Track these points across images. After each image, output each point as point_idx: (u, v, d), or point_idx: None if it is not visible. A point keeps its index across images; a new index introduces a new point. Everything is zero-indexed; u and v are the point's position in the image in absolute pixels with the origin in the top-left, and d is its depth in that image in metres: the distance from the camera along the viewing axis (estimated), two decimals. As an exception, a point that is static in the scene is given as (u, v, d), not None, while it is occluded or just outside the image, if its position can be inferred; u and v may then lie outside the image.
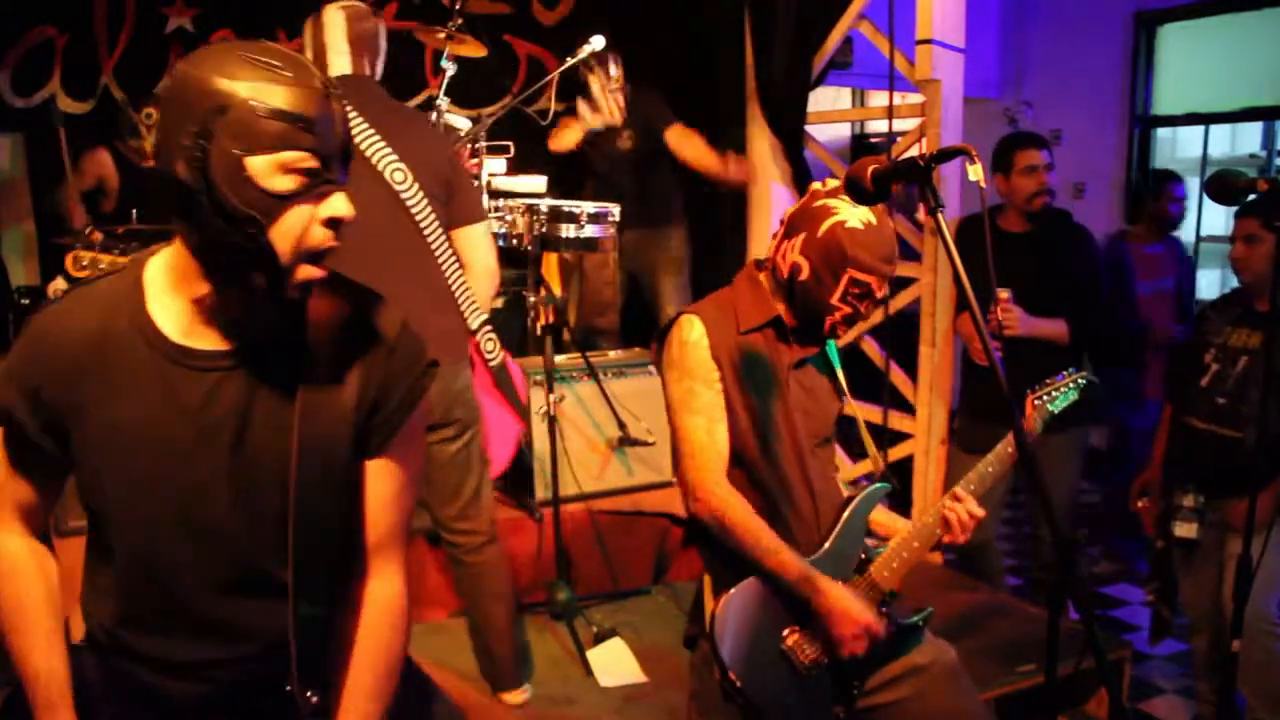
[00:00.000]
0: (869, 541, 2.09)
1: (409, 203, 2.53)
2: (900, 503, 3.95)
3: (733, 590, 1.93)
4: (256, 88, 1.18)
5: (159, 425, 1.28)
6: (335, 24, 2.64)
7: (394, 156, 2.52)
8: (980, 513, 2.04)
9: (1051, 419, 2.29)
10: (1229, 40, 5.52)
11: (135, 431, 1.28)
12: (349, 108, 2.49)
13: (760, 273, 2.11)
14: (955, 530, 2.02)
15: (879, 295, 1.99)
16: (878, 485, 2.12)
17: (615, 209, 3.76)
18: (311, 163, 1.21)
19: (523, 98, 3.79)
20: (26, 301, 4.08)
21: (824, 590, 1.90)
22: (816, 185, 2.04)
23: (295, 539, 1.28)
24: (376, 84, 2.70)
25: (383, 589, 1.39)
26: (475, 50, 3.85)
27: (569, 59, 3.73)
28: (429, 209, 2.56)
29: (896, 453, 4.01)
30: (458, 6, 3.77)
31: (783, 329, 2.05)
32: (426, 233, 2.56)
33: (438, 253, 2.58)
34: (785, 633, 1.95)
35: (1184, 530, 2.90)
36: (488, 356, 2.77)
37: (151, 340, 1.29)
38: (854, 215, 1.93)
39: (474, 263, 2.69)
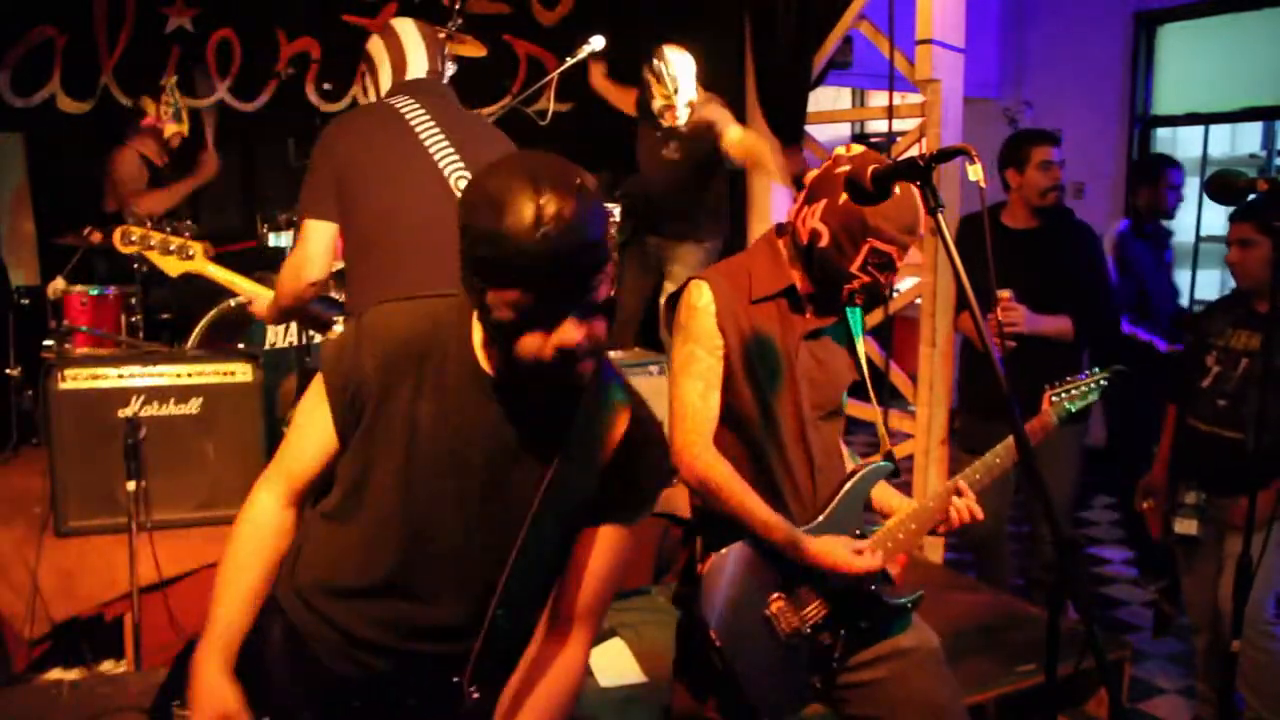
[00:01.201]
0: (866, 519, 2.08)
1: None
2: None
3: (722, 551, 1.93)
4: (494, 229, 1.26)
5: (442, 434, 1.43)
6: (407, 29, 2.67)
7: (460, 165, 2.51)
8: (980, 515, 2.04)
9: (1068, 416, 2.27)
10: (1229, 40, 5.52)
11: (422, 431, 1.43)
12: (423, 113, 2.51)
13: (780, 238, 2.06)
14: (952, 522, 2.03)
15: (900, 265, 1.96)
16: (880, 463, 2.10)
17: (615, 209, 3.76)
18: (529, 301, 1.28)
19: (523, 98, 3.80)
20: (26, 302, 4.08)
21: (808, 547, 1.91)
22: (840, 150, 2.00)
23: (510, 574, 1.42)
24: (450, 89, 2.71)
25: (570, 655, 1.48)
26: (475, 50, 3.85)
27: (569, 59, 3.73)
28: None
29: (896, 453, 4.00)
30: (458, 6, 3.77)
31: (796, 298, 2.01)
32: None
33: None
34: (770, 599, 1.95)
35: (1184, 527, 2.90)
36: None
37: (463, 360, 1.44)
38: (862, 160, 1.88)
39: None
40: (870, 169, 1.64)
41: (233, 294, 3.96)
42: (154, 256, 2.55)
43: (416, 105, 2.55)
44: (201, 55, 4.84)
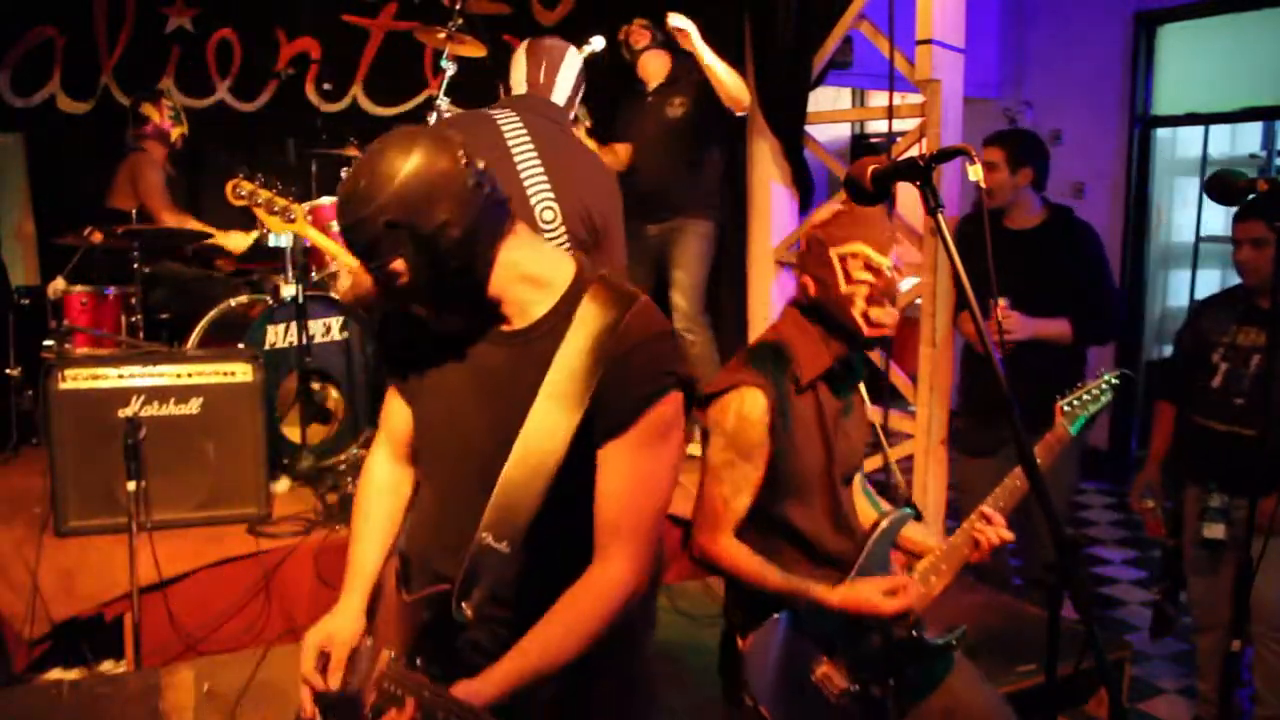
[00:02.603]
0: (895, 568, 2.08)
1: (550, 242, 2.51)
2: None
3: (761, 627, 1.94)
4: None
5: (451, 378, 1.58)
6: (519, 51, 2.74)
7: (549, 194, 2.48)
8: (1010, 536, 2.04)
9: (1089, 422, 2.25)
10: (1229, 40, 5.52)
11: (434, 382, 1.60)
12: (521, 129, 2.51)
13: (804, 317, 2.06)
14: (984, 550, 2.03)
15: (884, 263, 1.94)
16: (904, 512, 2.11)
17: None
18: None
19: (523, 98, 3.79)
20: (26, 302, 4.08)
21: (831, 597, 1.92)
22: (817, 215, 2.11)
23: (500, 486, 1.49)
24: (553, 106, 2.66)
25: (600, 569, 1.51)
26: (475, 50, 3.84)
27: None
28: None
29: (896, 453, 4.01)
30: (458, 6, 3.77)
31: (835, 376, 2.02)
32: None
33: None
34: (814, 665, 1.95)
35: (1212, 531, 2.88)
36: None
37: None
38: (825, 212, 2.00)
39: None
40: (870, 169, 1.64)
41: (233, 294, 4.00)
42: (260, 213, 2.73)
43: (516, 120, 2.53)
44: (202, 55, 4.85)
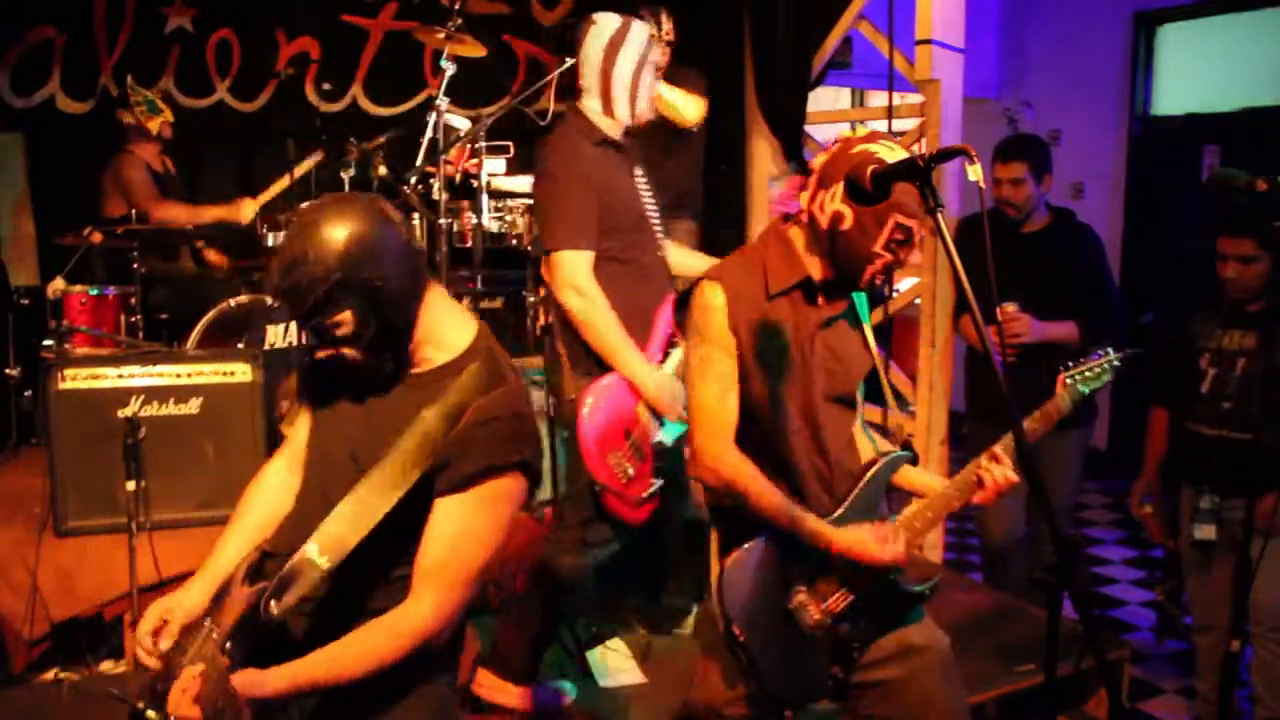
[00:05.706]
0: (886, 511, 2.07)
1: None
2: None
3: (743, 547, 1.93)
4: None
5: (342, 398, 1.75)
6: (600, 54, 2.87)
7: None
8: (1015, 478, 1.98)
9: (1081, 400, 2.19)
10: (1229, 40, 5.52)
11: (328, 399, 1.77)
12: None
13: (790, 227, 2.04)
14: (989, 490, 1.99)
15: (918, 240, 1.95)
16: (899, 453, 2.10)
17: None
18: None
19: (522, 98, 3.80)
20: (26, 302, 4.08)
21: (835, 539, 1.90)
22: (847, 132, 1.98)
23: (339, 508, 1.61)
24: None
25: (408, 607, 1.61)
26: (475, 50, 3.85)
27: (569, 59, 3.73)
28: None
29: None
30: (458, 6, 3.77)
31: (811, 289, 2.01)
32: None
33: None
34: (793, 593, 1.95)
35: (1204, 533, 2.88)
36: None
37: None
38: (896, 158, 1.83)
39: None
40: (870, 169, 1.64)
41: (232, 294, 4.00)
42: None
43: None
44: (201, 55, 4.85)
